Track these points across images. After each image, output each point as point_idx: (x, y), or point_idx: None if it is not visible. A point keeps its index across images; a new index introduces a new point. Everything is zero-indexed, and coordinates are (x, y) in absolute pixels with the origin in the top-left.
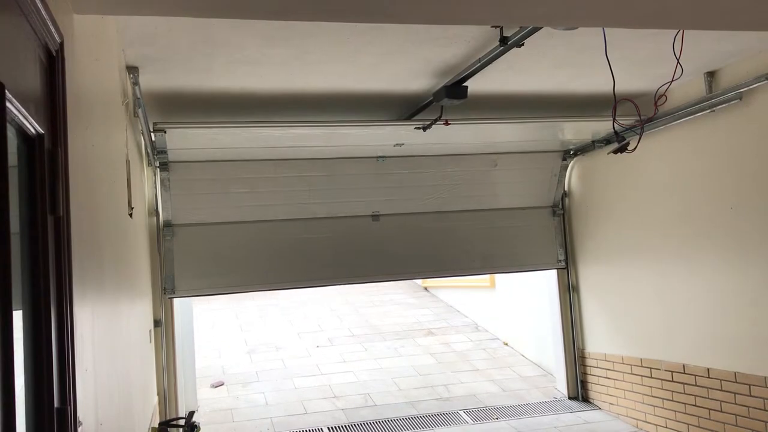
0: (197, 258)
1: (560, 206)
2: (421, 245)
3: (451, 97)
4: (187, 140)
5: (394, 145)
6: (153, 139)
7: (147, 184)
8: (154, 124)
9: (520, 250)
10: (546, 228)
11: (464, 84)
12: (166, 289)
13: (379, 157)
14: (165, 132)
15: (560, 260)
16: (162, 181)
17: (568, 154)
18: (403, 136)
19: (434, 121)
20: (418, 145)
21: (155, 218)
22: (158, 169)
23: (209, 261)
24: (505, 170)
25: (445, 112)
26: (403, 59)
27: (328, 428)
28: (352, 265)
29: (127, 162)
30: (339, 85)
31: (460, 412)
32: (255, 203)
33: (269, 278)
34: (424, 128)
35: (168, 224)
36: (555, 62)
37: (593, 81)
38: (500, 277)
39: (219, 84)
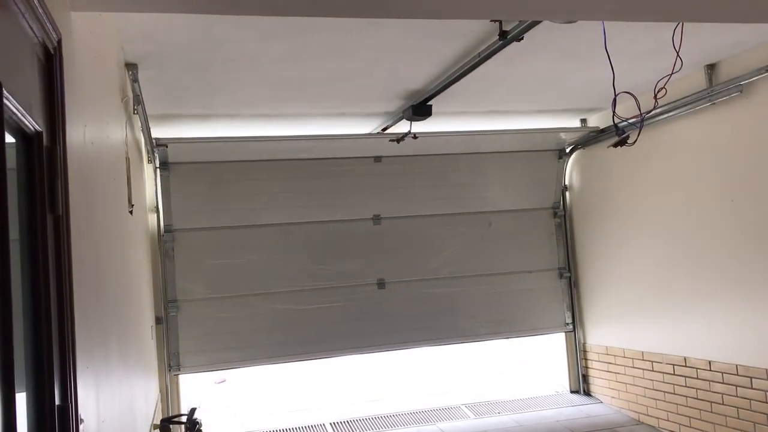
0: (202, 332)
1: (567, 268)
2: (427, 312)
3: (416, 114)
4: (189, 154)
5: (374, 160)
6: (153, 136)
7: (148, 184)
8: (156, 139)
9: (528, 314)
10: (553, 291)
11: (429, 103)
12: (171, 366)
13: (375, 216)
14: (167, 146)
15: (567, 323)
16: (166, 251)
17: (558, 208)
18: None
19: (404, 135)
20: (411, 203)
21: (160, 271)
22: (163, 238)
23: (214, 335)
24: (503, 231)
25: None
26: (402, 56)
27: (331, 424)
28: (360, 335)
29: (127, 159)
30: (331, 93)
31: (461, 406)
32: (258, 274)
33: (277, 351)
34: (398, 140)
35: (173, 300)
36: (555, 55)
37: (590, 75)
38: None
39: (217, 80)
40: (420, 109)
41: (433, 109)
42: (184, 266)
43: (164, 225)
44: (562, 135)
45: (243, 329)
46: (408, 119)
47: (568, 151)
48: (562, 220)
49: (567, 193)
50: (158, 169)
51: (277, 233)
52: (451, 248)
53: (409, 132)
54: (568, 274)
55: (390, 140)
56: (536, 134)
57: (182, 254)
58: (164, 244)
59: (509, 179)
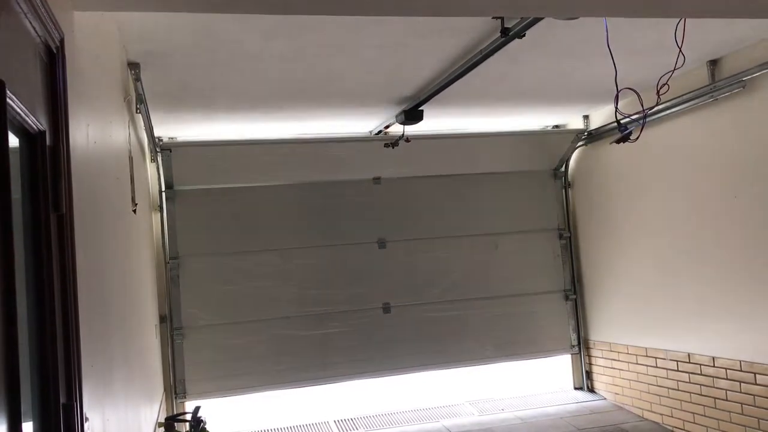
0: (207, 359)
1: (573, 290)
2: (433, 336)
3: (408, 119)
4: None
5: (374, 182)
6: (156, 137)
7: (150, 180)
8: (161, 144)
9: (533, 337)
10: (559, 313)
11: (420, 108)
12: (177, 393)
13: (380, 240)
14: (171, 151)
15: (573, 345)
16: (172, 278)
17: (564, 230)
18: (384, 171)
19: (398, 139)
20: (417, 225)
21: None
22: (168, 265)
23: (219, 362)
24: (508, 253)
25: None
26: (403, 53)
27: (335, 422)
28: (366, 360)
29: (130, 158)
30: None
31: (465, 403)
32: (264, 299)
33: (284, 378)
34: (392, 145)
35: (179, 327)
36: (557, 52)
37: (592, 72)
38: None
39: (219, 79)
40: (412, 114)
41: (433, 111)
42: (189, 293)
43: (170, 252)
44: (555, 149)
45: (248, 356)
46: (401, 123)
47: (562, 169)
48: (568, 242)
49: (570, 191)
50: (163, 194)
51: (281, 258)
52: (456, 271)
53: (403, 135)
54: (574, 296)
55: (385, 145)
56: (533, 147)
57: (187, 281)
58: (170, 271)
59: (511, 201)
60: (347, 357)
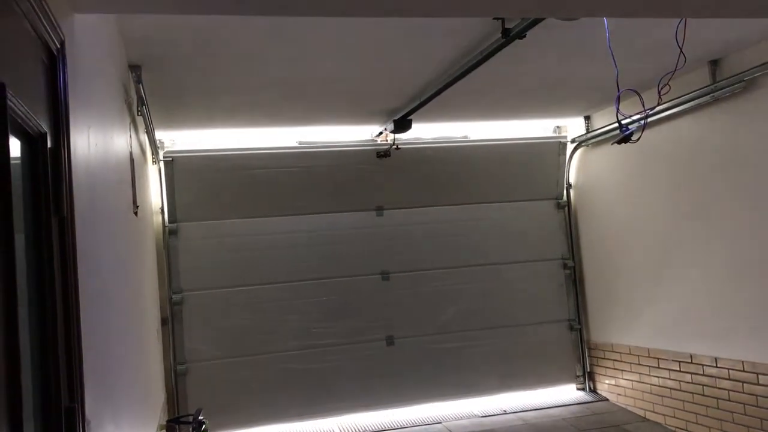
0: (210, 394)
1: (577, 319)
2: (436, 368)
3: (398, 128)
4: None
5: (376, 214)
6: (158, 143)
7: (152, 184)
8: (164, 154)
9: (537, 367)
10: (563, 342)
11: (409, 117)
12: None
13: (383, 272)
14: (173, 160)
15: (578, 375)
16: (174, 313)
17: (568, 259)
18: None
19: (390, 147)
20: (419, 248)
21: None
22: (170, 302)
23: (222, 397)
24: (513, 284)
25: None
26: (406, 53)
27: (338, 425)
28: (369, 393)
29: (132, 160)
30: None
31: (467, 404)
32: (266, 333)
33: (287, 413)
34: (384, 155)
35: (182, 362)
36: (558, 53)
37: (593, 72)
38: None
39: (219, 81)
40: (401, 123)
41: (427, 117)
42: (191, 328)
43: (173, 286)
44: (548, 162)
45: (252, 390)
46: (391, 132)
47: (564, 199)
48: (572, 272)
49: (571, 191)
50: (166, 228)
51: (284, 292)
52: (460, 302)
53: (393, 143)
54: (579, 326)
55: (378, 155)
56: (530, 162)
57: (190, 315)
58: (173, 305)
59: (514, 231)
60: (351, 390)
